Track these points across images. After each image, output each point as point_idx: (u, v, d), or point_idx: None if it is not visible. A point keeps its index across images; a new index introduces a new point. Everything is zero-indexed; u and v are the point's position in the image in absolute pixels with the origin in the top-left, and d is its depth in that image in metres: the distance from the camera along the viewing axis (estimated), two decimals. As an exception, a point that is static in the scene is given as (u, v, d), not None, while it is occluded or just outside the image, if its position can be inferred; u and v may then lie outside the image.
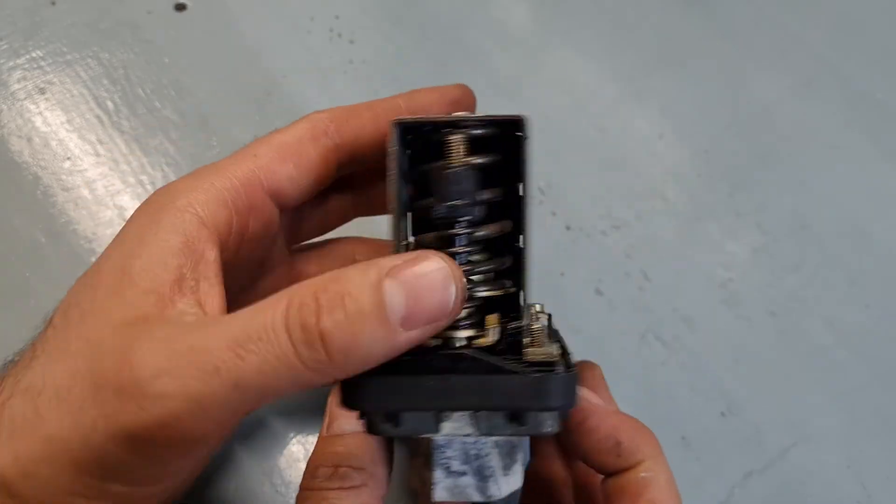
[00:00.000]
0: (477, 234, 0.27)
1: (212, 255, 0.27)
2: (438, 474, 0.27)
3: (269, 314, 0.22)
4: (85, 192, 0.42)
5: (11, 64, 0.44)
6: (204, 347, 0.22)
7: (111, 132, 0.44)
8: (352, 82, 0.48)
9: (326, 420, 0.27)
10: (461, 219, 0.26)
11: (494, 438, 0.27)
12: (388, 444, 0.28)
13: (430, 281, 0.22)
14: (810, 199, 0.50)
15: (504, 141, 0.27)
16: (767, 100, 0.53)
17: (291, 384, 0.22)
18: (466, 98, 0.32)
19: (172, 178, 0.45)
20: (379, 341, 0.22)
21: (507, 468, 0.28)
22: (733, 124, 0.52)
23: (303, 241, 0.36)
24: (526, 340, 0.26)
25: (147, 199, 0.28)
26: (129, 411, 0.22)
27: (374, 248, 0.36)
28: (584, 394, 0.29)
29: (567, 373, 0.25)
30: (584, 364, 0.34)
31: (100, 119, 0.44)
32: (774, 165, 0.51)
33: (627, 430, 0.28)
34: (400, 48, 0.50)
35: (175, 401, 0.22)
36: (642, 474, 0.27)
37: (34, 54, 0.45)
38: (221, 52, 0.47)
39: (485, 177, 0.27)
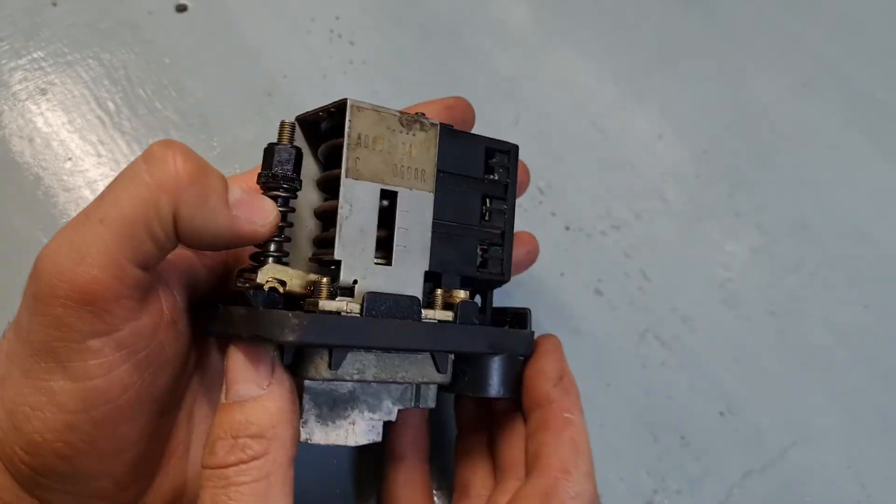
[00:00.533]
0: (291, 200, 0.29)
1: None
2: None
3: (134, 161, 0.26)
4: (86, 193, 0.42)
5: (13, 65, 0.45)
6: (84, 210, 0.26)
7: (112, 133, 0.44)
8: (352, 83, 0.48)
9: (225, 386, 0.27)
10: (279, 185, 0.29)
11: (305, 383, 0.29)
12: (294, 403, 0.27)
13: (258, 198, 0.28)
14: (810, 199, 0.51)
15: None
16: (767, 100, 0.53)
17: (146, 205, 0.25)
18: (460, 104, 0.35)
19: (173, 178, 0.45)
20: (218, 192, 0.26)
21: (322, 418, 0.29)
22: (733, 124, 0.52)
23: None
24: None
25: None
26: (31, 283, 0.26)
27: None
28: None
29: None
30: (543, 337, 0.36)
31: (101, 120, 0.44)
32: (774, 165, 0.51)
33: (571, 377, 0.34)
34: (400, 48, 0.50)
35: (58, 257, 0.25)
36: (566, 415, 0.32)
37: (35, 55, 0.45)
38: (222, 53, 0.47)
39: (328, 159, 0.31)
